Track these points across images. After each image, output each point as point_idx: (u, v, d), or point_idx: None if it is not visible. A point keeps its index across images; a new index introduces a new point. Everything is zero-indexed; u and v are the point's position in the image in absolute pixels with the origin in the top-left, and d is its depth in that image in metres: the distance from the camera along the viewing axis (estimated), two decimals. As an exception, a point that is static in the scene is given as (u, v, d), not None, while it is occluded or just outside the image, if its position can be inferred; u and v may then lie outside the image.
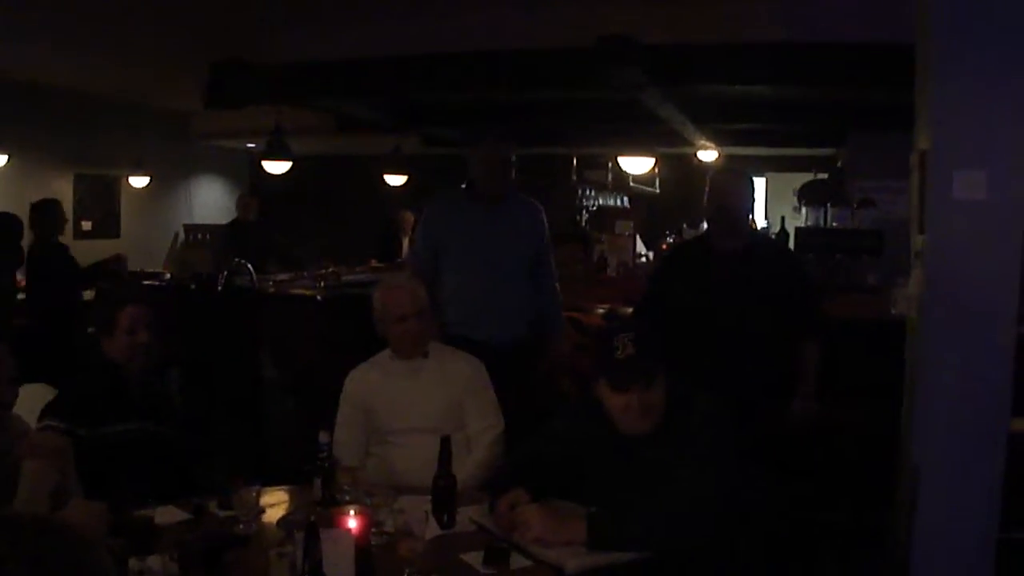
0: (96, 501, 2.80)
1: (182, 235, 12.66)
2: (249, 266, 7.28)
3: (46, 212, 7.56)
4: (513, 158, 4.88)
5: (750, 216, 4.70)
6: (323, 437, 3.19)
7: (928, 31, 4.08)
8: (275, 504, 3.23)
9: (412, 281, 4.08)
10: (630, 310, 6.09)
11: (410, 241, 6.17)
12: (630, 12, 6.47)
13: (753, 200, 4.62)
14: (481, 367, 4.00)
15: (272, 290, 7.44)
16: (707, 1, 6.40)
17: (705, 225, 5.12)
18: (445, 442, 3.03)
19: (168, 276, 8.97)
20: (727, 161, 11.42)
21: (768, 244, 5.09)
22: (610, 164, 11.59)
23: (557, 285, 5.19)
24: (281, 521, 2.91)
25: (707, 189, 4.60)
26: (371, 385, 3.92)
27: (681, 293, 4.51)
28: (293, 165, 9.51)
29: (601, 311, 6.38)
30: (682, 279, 4.59)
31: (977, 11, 3.91)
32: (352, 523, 2.54)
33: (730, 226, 4.49)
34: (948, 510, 4.06)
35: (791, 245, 7.48)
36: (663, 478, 2.89)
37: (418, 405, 3.82)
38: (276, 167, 9.38)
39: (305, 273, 8.65)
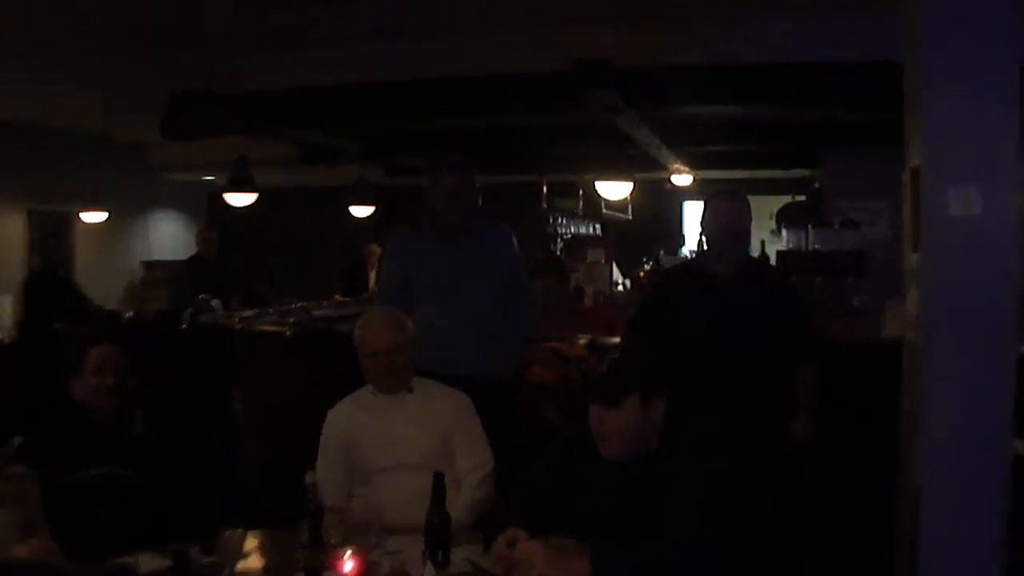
0: (50, 543, 2.74)
1: (140, 272, 12.55)
2: (214, 302, 7.20)
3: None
4: (476, 183, 4.84)
5: (750, 240, 4.72)
6: (309, 478, 3.13)
7: (917, 45, 4.10)
8: (257, 548, 3.16)
9: (395, 313, 4.03)
10: (614, 340, 6.08)
11: (377, 275, 6.12)
12: (604, 35, 6.51)
13: (751, 223, 4.64)
14: (468, 402, 3.96)
15: (239, 327, 7.38)
16: (681, 24, 6.45)
17: (687, 251, 5.11)
18: (438, 479, 2.97)
19: (128, 315, 8.86)
20: (709, 185, 11.46)
21: (760, 268, 5.09)
22: (581, 191, 11.61)
23: (530, 313, 5.16)
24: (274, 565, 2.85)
25: (708, 213, 4.59)
26: (354, 422, 3.87)
27: (675, 319, 4.51)
28: (256, 198, 9.44)
29: (583, 341, 6.34)
30: (676, 305, 4.58)
31: (967, 24, 3.95)
32: (349, 566, 2.47)
33: (733, 251, 4.52)
34: (952, 533, 4.06)
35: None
36: (661, 507, 2.86)
37: (404, 441, 3.78)
38: (239, 199, 9.31)
39: (271, 309, 8.58)
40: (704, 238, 4.79)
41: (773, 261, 7.78)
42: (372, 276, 10.64)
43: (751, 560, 2.96)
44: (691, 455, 2.94)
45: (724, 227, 4.50)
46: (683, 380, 3.33)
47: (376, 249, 10.68)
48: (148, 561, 2.97)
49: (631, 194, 10.52)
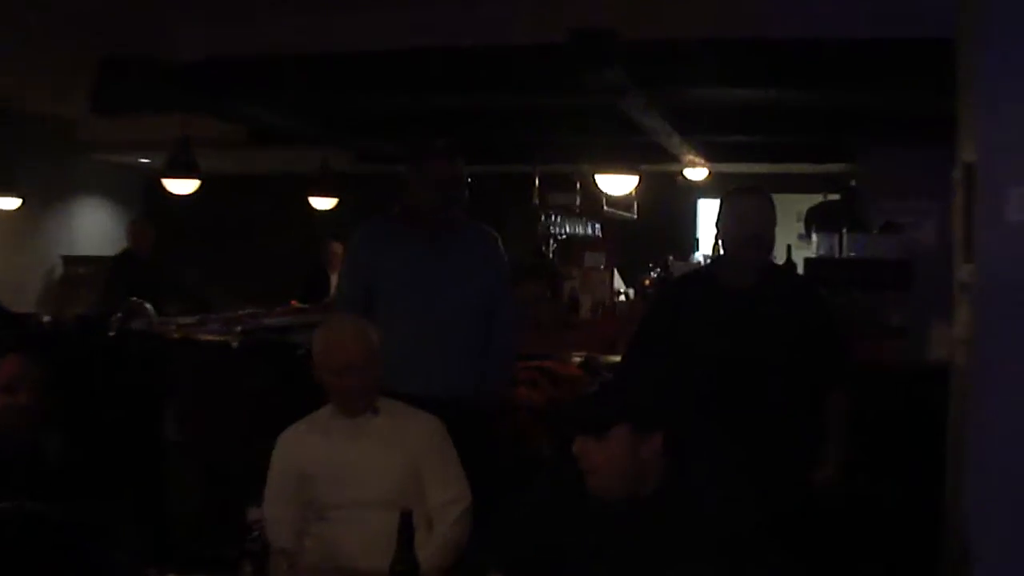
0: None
1: (60, 269, 12.49)
2: (148, 306, 7.17)
3: None
4: (465, 175, 4.88)
5: (773, 245, 4.68)
6: (253, 514, 3.10)
7: (973, 24, 4.09)
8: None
9: (362, 324, 4.02)
10: (614, 359, 6.07)
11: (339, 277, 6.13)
12: (608, 2, 6.48)
13: (775, 227, 4.58)
14: (442, 427, 3.95)
15: (177, 336, 7.35)
16: (699, -11, 6.46)
17: (701, 257, 5.08)
18: (406, 518, 2.95)
19: (46, 319, 8.78)
20: (722, 179, 11.48)
21: (785, 278, 5.07)
22: (579, 184, 11.59)
23: (514, 333, 5.16)
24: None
25: (727, 214, 4.55)
26: (308, 449, 3.85)
27: (683, 337, 4.47)
28: (199, 186, 9.40)
29: (578, 359, 6.32)
30: (685, 321, 4.54)
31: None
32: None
33: (752, 258, 4.48)
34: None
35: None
36: (664, 560, 2.87)
37: (366, 473, 3.76)
38: (180, 186, 9.28)
39: (214, 316, 8.55)
40: (719, 242, 4.72)
41: (800, 270, 7.77)
42: (334, 279, 10.61)
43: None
44: (702, 504, 2.94)
45: (742, 230, 4.46)
46: (690, 410, 3.32)
47: (339, 248, 10.66)
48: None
49: (636, 189, 10.53)
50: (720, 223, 4.57)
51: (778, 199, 4.64)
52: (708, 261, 9.13)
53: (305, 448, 3.86)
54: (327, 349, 3.85)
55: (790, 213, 11.53)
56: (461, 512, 3.80)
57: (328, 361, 3.82)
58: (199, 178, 9.31)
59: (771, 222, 4.51)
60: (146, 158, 12.69)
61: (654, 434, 2.95)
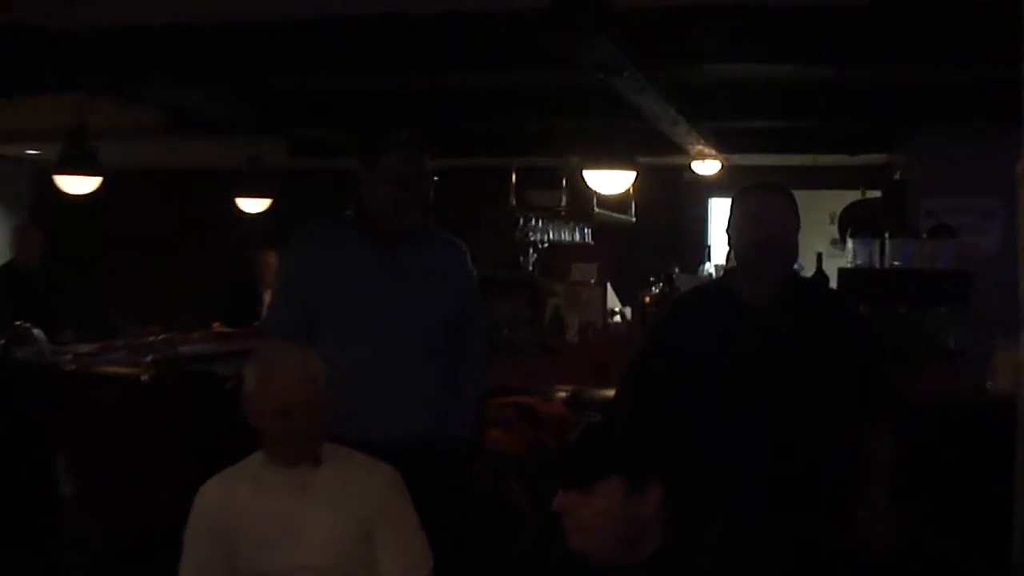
0: None
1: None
2: (37, 331, 7.13)
3: None
4: (430, 174, 4.88)
5: (797, 253, 4.65)
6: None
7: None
8: None
9: (303, 353, 4.01)
10: (606, 393, 6.05)
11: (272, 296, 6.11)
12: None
13: (798, 230, 4.52)
14: (399, 480, 3.97)
15: (72, 367, 7.32)
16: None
17: (711, 266, 5.07)
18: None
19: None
20: (737, 173, 11.52)
21: (814, 293, 5.05)
22: (565, 181, 11.61)
23: (486, 363, 5.21)
24: None
25: (737, 215, 4.52)
26: (235, 505, 3.85)
27: (695, 368, 4.44)
28: (101, 183, 9.37)
29: (563, 395, 6.31)
30: (693, 346, 4.51)
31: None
32: None
33: (771, 269, 4.45)
34: None
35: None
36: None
37: (305, 535, 3.76)
38: (76, 184, 9.24)
39: (119, 342, 8.50)
40: (732, 250, 4.69)
41: (834, 283, 7.80)
42: (267, 297, 10.59)
43: None
44: (714, 566, 2.93)
45: (756, 235, 4.41)
46: (700, 457, 3.32)
47: (272, 259, 10.64)
48: None
49: (634, 187, 10.55)
50: (731, 227, 4.54)
51: (806, 197, 4.65)
52: (721, 273, 9.15)
53: (231, 505, 3.85)
54: (261, 386, 3.82)
55: (821, 214, 11.66)
56: (420, 583, 3.81)
57: (263, 401, 3.80)
58: (100, 174, 9.26)
59: (793, 225, 4.47)
60: (35, 150, 12.66)
61: (652, 487, 2.96)
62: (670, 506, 2.99)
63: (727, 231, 4.57)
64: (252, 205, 11.68)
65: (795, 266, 4.88)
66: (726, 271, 4.87)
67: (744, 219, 4.47)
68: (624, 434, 3.05)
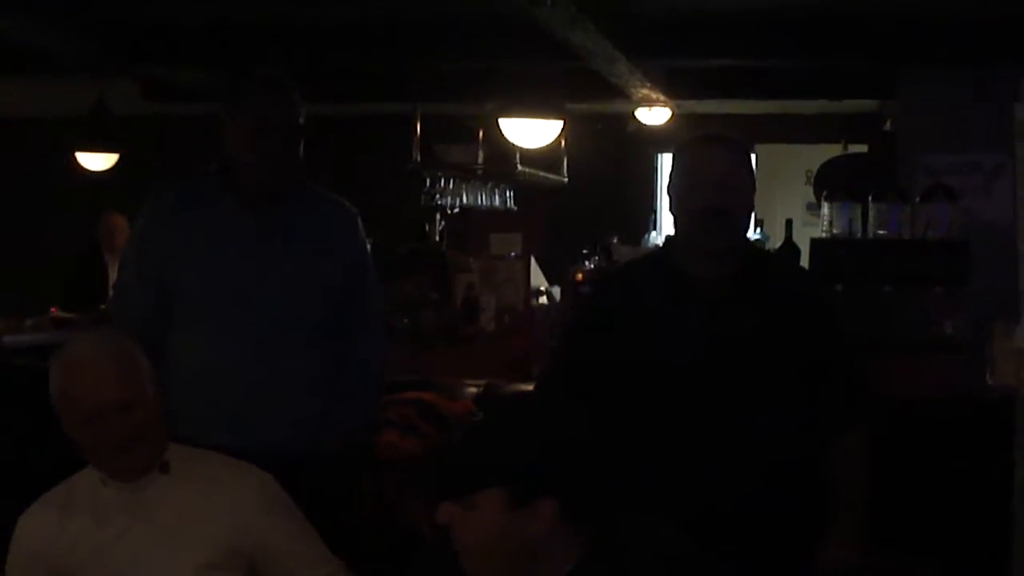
0: None
1: None
2: None
3: None
4: (301, 120, 4.85)
5: (750, 220, 4.66)
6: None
7: None
8: None
9: (115, 344, 3.91)
10: (526, 388, 6.11)
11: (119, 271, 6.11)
12: None
13: (754, 193, 4.52)
14: (271, 482, 3.93)
15: None
16: None
17: (659, 237, 5.09)
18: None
19: None
20: (693, 124, 11.59)
21: (775, 270, 5.06)
22: (481, 134, 11.65)
23: (381, 352, 5.20)
24: None
25: (676, 175, 4.52)
26: (65, 532, 3.79)
27: (626, 356, 4.45)
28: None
29: (473, 390, 6.37)
30: (628, 332, 4.51)
31: None
32: None
33: (721, 242, 4.41)
34: None
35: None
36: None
37: (156, 564, 3.72)
38: None
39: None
40: (672, 216, 4.67)
41: (805, 257, 7.85)
42: (113, 273, 10.58)
43: None
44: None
45: (695, 199, 4.38)
46: (629, 469, 3.35)
47: (119, 224, 10.64)
48: None
49: (565, 140, 10.58)
50: (671, 189, 4.53)
51: (780, 152, 4.65)
52: (660, 243, 9.17)
53: (60, 531, 3.78)
54: (66, 389, 3.72)
55: (796, 173, 11.75)
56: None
57: (69, 406, 3.70)
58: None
59: (742, 187, 4.44)
60: None
61: (542, 502, 2.93)
62: (583, 525, 3.01)
63: (668, 192, 4.58)
64: (96, 161, 11.61)
65: (759, 236, 4.91)
66: (666, 240, 4.84)
67: (683, 179, 4.45)
68: (509, 438, 3.02)
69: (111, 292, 10.12)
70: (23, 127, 13.38)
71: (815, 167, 10.15)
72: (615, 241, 10.19)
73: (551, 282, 10.14)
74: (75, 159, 11.59)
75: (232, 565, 3.75)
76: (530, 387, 5.47)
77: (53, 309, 10.30)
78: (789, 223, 8.38)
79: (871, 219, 7.92)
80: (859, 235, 7.96)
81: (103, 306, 10.06)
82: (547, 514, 2.92)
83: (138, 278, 4.92)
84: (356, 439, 5.04)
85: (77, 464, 3.88)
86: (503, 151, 11.23)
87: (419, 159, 11.55)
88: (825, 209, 8.27)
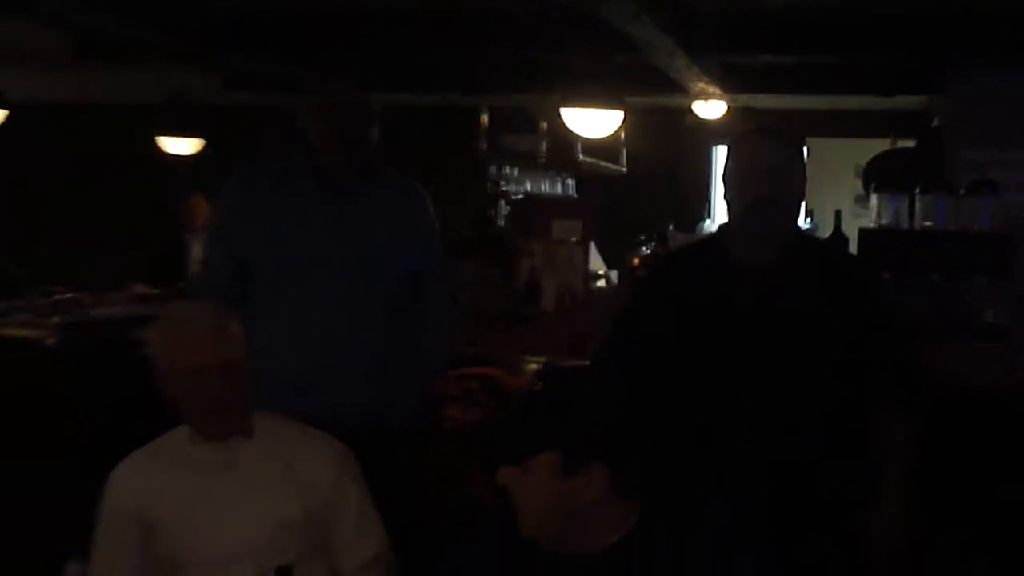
0: None
1: None
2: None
3: None
4: (377, 108, 4.91)
5: (801, 208, 4.66)
6: (72, 570, 3.17)
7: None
8: None
9: (216, 311, 3.99)
10: (582, 364, 6.13)
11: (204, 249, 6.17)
12: None
13: (805, 184, 4.51)
14: (348, 453, 3.99)
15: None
16: None
17: (713, 224, 5.09)
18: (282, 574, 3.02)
19: None
20: (747, 117, 11.57)
21: (825, 256, 5.05)
22: (545, 125, 11.67)
23: (450, 329, 5.24)
24: None
25: (730, 167, 4.50)
26: (154, 486, 3.85)
27: (678, 337, 4.47)
28: (6, 118, 9.41)
29: (534, 366, 6.41)
30: (679, 310, 4.52)
31: None
32: None
33: (772, 230, 4.42)
34: None
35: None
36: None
37: (237, 517, 3.77)
38: (-25, 119, 9.29)
39: (22, 302, 8.56)
40: (726, 205, 4.68)
41: (853, 246, 7.85)
42: (197, 251, 10.60)
43: None
44: (684, 552, 3.00)
45: (747, 189, 4.39)
46: (683, 442, 3.38)
47: (201, 205, 10.68)
48: None
49: (624, 132, 10.60)
50: (725, 179, 4.53)
51: (831, 146, 4.64)
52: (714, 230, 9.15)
53: (149, 484, 3.84)
54: (169, 347, 3.80)
55: (845, 166, 11.70)
56: (382, 572, 3.87)
57: (172, 362, 3.77)
58: (5, 107, 9.29)
59: (793, 179, 4.43)
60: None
61: (594, 470, 2.97)
62: (633, 495, 3.04)
63: (723, 182, 4.59)
64: (179, 146, 11.70)
65: (808, 224, 4.89)
66: (719, 227, 4.84)
67: (736, 171, 4.45)
68: (564, 408, 3.06)
69: (192, 269, 10.24)
70: (112, 113, 13.42)
71: (864, 161, 10.07)
72: (671, 228, 10.21)
73: (609, 266, 10.16)
74: (159, 144, 11.67)
75: (304, 526, 3.79)
76: (587, 363, 5.49)
77: (136, 285, 10.34)
78: (838, 214, 8.36)
79: (918, 211, 7.94)
80: (906, 226, 7.98)
81: (182, 283, 10.14)
82: (598, 481, 2.97)
83: (223, 255, 4.98)
84: (422, 413, 5.10)
85: (161, 425, 3.95)
86: (565, 141, 11.26)
87: (485, 148, 11.58)
88: (874, 200, 8.29)
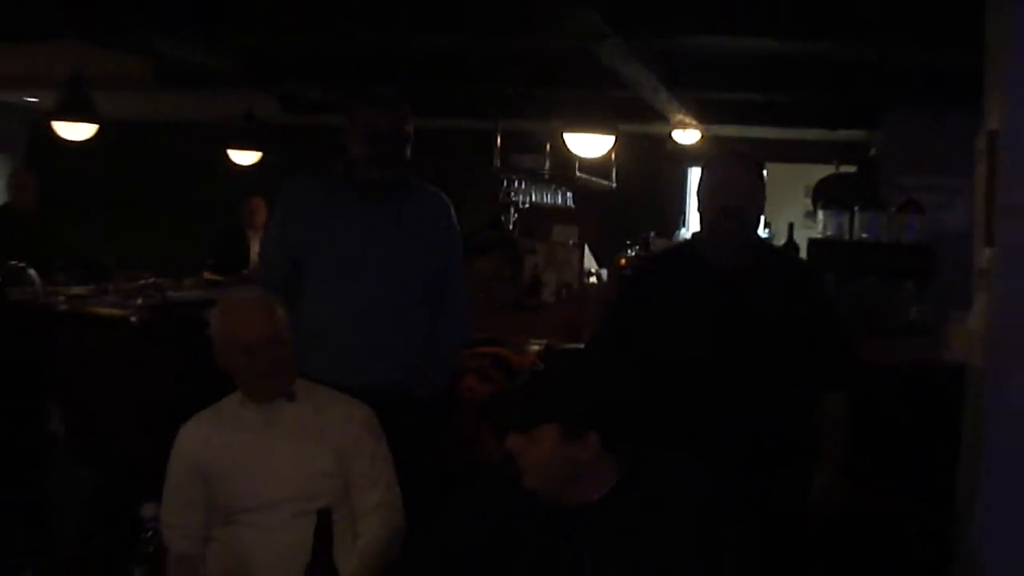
0: None
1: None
2: (31, 272, 7.17)
3: None
4: (409, 128, 4.90)
5: (760, 220, 4.70)
6: (148, 511, 3.16)
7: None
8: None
9: (264, 295, 4.09)
10: (579, 346, 6.14)
11: (261, 244, 6.18)
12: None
13: (764, 198, 4.58)
14: (373, 417, 4.04)
15: (65, 308, 7.35)
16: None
17: (688, 232, 5.10)
18: (323, 517, 3.01)
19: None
20: (717, 144, 11.56)
21: (780, 260, 5.11)
22: (548, 146, 11.66)
23: (467, 315, 5.26)
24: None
25: (703, 183, 4.56)
26: (214, 441, 3.91)
27: (659, 325, 4.52)
28: (97, 132, 9.38)
29: (536, 347, 6.41)
30: (658, 304, 4.59)
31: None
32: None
33: (729, 236, 4.48)
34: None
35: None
36: (621, 565, 2.95)
37: (281, 468, 3.83)
38: (73, 131, 9.24)
39: (111, 286, 8.55)
40: (699, 215, 4.73)
41: (804, 253, 7.86)
42: (255, 246, 10.60)
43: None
44: (660, 505, 3.02)
45: (715, 202, 4.46)
46: (661, 411, 3.39)
47: (260, 206, 10.68)
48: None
49: (616, 154, 10.60)
50: (698, 194, 4.59)
51: (786, 170, 4.67)
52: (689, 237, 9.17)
53: (209, 441, 3.92)
54: (225, 326, 3.91)
55: (798, 186, 11.69)
56: (390, 516, 3.90)
57: (226, 339, 3.89)
58: (97, 122, 9.27)
59: (752, 194, 4.50)
60: (32, 96, 12.65)
61: (589, 436, 3.00)
62: (616, 451, 3.06)
63: (696, 196, 4.64)
64: (243, 157, 11.73)
65: (766, 234, 4.92)
66: (692, 235, 4.89)
67: (707, 187, 4.52)
68: (565, 382, 3.09)
69: (252, 260, 10.24)
70: (188, 129, 13.42)
71: (812, 182, 10.08)
72: (652, 235, 10.19)
73: (600, 265, 10.12)
74: (227, 156, 11.69)
75: (336, 474, 3.87)
76: (582, 346, 5.49)
77: (205, 272, 10.31)
78: (791, 226, 8.40)
79: (856, 225, 7.95)
80: (847, 238, 7.98)
81: (244, 271, 10.15)
82: (592, 445, 3.00)
83: (278, 250, 5.01)
84: (442, 385, 5.13)
85: (220, 390, 4.02)
86: (565, 160, 11.22)
87: (498, 165, 11.59)
88: (820, 216, 8.29)
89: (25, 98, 12.88)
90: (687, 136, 11.62)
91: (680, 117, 11.00)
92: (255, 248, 10.45)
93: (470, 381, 5.80)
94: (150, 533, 3.13)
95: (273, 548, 3.66)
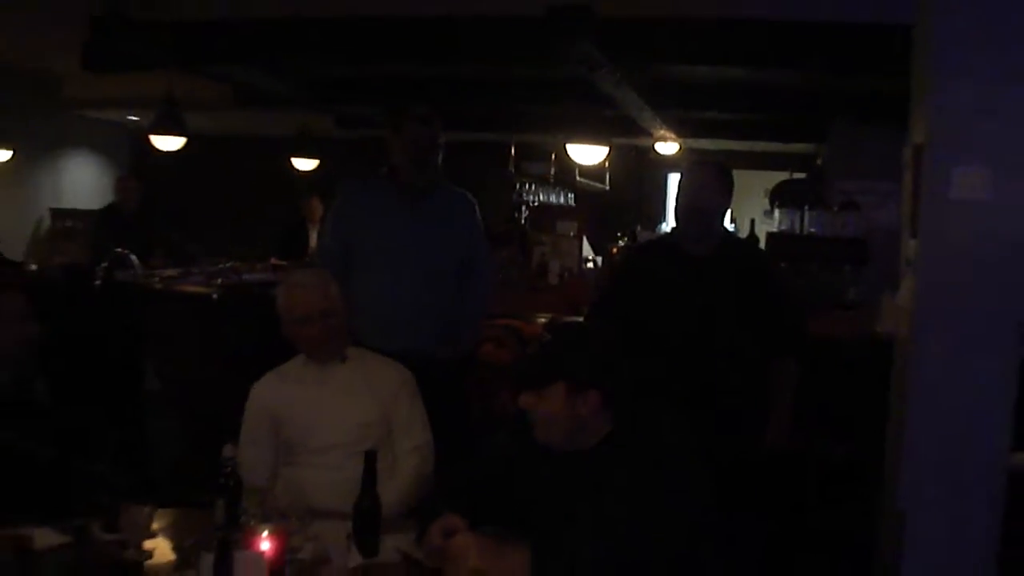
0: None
1: (47, 221, 12.41)
2: (133, 258, 7.19)
3: None
4: (441, 140, 4.91)
5: (725, 215, 4.72)
6: (228, 451, 3.17)
7: (928, 9, 4.15)
8: (166, 527, 3.21)
9: (320, 276, 4.13)
10: (577, 320, 6.14)
11: (319, 235, 6.19)
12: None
13: (730, 198, 4.60)
14: (411, 378, 4.06)
15: (159, 287, 7.36)
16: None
17: (668, 226, 5.12)
18: (370, 457, 3.04)
19: (33, 267, 8.78)
20: (691, 154, 11.57)
21: (740, 246, 5.13)
22: (554, 155, 11.67)
23: (489, 292, 5.25)
24: (187, 544, 2.91)
25: (681, 186, 4.61)
26: (281, 395, 3.95)
27: (642, 299, 4.54)
28: (185, 144, 9.40)
29: (543, 320, 6.42)
30: (644, 283, 4.62)
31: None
32: (266, 545, 2.54)
33: (702, 230, 4.53)
34: (938, 561, 4.11)
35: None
36: (612, 501, 2.93)
37: (335, 417, 3.85)
38: (167, 143, 9.26)
39: (196, 269, 8.56)
40: (676, 212, 4.76)
41: (763, 244, 7.87)
42: (313, 236, 10.61)
43: (703, 565, 3.03)
44: (645, 450, 3.01)
45: (683, 201, 4.53)
46: (635, 370, 3.40)
47: (318, 204, 10.70)
48: (45, 537, 2.99)
49: (608, 162, 10.61)
50: (676, 195, 4.63)
51: (748, 176, 4.70)
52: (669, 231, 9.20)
53: (277, 394, 3.96)
54: (293, 301, 3.95)
55: (758, 189, 11.60)
56: (423, 458, 3.92)
57: (289, 312, 3.95)
58: (186, 135, 9.29)
59: (714, 196, 4.52)
60: (133, 115, 12.66)
61: (590, 393, 3.01)
62: (611, 407, 3.05)
63: (675, 197, 4.66)
64: (303, 164, 11.82)
65: (731, 227, 4.94)
66: (672, 228, 4.90)
67: (683, 189, 4.57)
68: (566, 349, 3.10)
69: (311, 249, 10.24)
70: (258, 142, 13.46)
71: (770, 186, 10.05)
72: (638, 228, 10.19)
73: (596, 253, 10.13)
74: (290, 163, 11.71)
75: (379, 423, 3.90)
76: (581, 319, 5.50)
77: (273, 259, 10.33)
78: (752, 222, 8.44)
79: (806, 221, 7.99)
80: (798, 232, 8.01)
81: (305, 257, 10.15)
82: (593, 401, 3.01)
83: (333, 240, 5.01)
84: (467, 349, 5.13)
85: (284, 354, 4.06)
86: (568, 167, 11.25)
87: (513, 170, 11.62)
88: (776, 214, 8.33)
89: (129, 116, 12.88)
90: (668, 148, 11.60)
91: (662, 132, 11.02)
92: (314, 238, 10.47)
93: (488, 347, 5.80)
94: (229, 469, 3.14)
95: (328, 483, 3.67)
